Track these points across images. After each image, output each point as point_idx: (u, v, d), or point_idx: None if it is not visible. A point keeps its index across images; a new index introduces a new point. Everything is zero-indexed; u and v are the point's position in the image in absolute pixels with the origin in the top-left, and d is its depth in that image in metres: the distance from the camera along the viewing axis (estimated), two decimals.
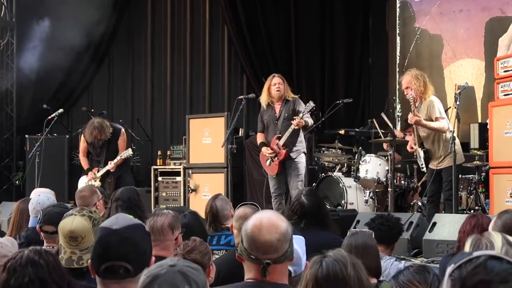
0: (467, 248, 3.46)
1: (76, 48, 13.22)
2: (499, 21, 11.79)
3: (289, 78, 11.97)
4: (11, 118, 13.58)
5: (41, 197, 5.82)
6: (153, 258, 2.81)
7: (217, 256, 4.95)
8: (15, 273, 2.96)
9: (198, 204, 10.63)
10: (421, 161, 8.55)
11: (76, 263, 3.64)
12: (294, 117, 9.05)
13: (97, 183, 9.88)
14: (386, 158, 9.50)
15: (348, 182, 10.10)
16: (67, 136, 12.96)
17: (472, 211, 9.10)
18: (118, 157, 10.11)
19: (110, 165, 10.09)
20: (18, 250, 3.13)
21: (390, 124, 8.66)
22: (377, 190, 9.85)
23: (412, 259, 6.84)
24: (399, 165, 9.86)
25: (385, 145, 9.82)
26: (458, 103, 8.12)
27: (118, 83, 14.44)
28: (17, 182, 13.34)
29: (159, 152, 12.90)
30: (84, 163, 10.48)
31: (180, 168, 12.11)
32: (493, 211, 8.10)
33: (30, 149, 11.49)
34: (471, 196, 9.46)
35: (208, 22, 13.96)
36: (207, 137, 11.37)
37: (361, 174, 9.77)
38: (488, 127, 8.84)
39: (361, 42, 13.48)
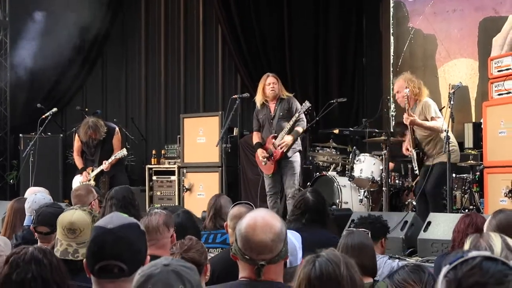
0: (466, 248, 3.46)
1: (70, 47, 13.22)
2: (493, 21, 11.80)
3: (283, 78, 11.96)
4: (5, 117, 13.56)
5: (37, 196, 5.81)
6: (148, 258, 2.81)
7: (212, 255, 4.95)
8: (18, 268, 2.96)
9: (193, 203, 10.65)
10: (415, 163, 8.57)
11: (71, 255, 3.63)
12: (280, 143, 9.06)
13: (92, 182, 9.87)
14: (381, 157, 9.51)
15: (343, 181, 10.10)
16: (61, 135, 12.95)
17: (466, 210, 9.11)
18: (113, 157, 10.10)
19: (105, 165, 10.09)
20: (22, 246, 3.11)
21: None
22: (371, 190, 9.85)
23: (406, 259, 6.84)
24: (392, 172, 9.83)
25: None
26: (452, 102, 8.12)
27: (112, 82, 14.43)
28: (11, 181, 13.32)
29: (153, 151, 12.89)
30: (78, 162, 10.47)
31: (174, 167, 12.11)
32: (488, 211, 8.11)
33: (24, 148, 11.46)
34: (465, 196, 9.48)
35: (202, 22, 13.95)
36: (202, 136, 11.37)
37: (356, 173, 9.77)
38: (482, 126, 8.85)
39: (354, 42, 13.47)
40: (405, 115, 8.46)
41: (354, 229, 5.18)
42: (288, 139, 9.06)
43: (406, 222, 7.49)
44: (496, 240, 3.41)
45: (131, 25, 14.44)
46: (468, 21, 12.13)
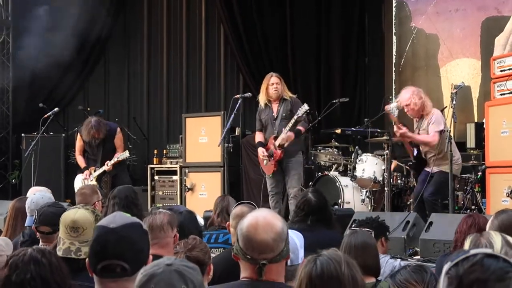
0: (466, 247, 3.46)
1: (72, 47, 13.21)
2: (495, 20, 11.80)
3: (285, 77, 11.93)
4: (7, 116, 13.57)
5: (35, 196, 5.79)
6: (151, 257, 2.81)
7: (214, 255, 4.95)
8: (17, 269, 2.96)
9: (195, 203, 10.65)
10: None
11: (74, 253, 3.63)
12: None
13: (93, 182, 9.87)
14: (383, 157, 9.50)
15: (345, 181, 10.10)
16: (63, 134, 12.96)
17: (468, 210, 9.11)
18: (115, 159, 10.10)
19: (107, 167, 10.09)
20: (21, 248, 3.12)
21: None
22: (373, 190, 9.85)
23: (408, 259, 6.84)
24: (395, 172, 9.83)
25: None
26: (454, 102, 8.11)
27: (114, 81, 14.43)
28: (13, 180, 13.33)
29: (155, 151, 12.89)
30: (80, 161, 10.47)
31: (176, 167, 12.11)
32: (490, 211, 8.10)
33: (26, 148, 11.46)
34: (467, 196, 9.46)
35: (204, 22, 13.95)
36: (204, 136, 11.36)
37: (358, 173, 9.77)
38: (484, 126, 8.84)
39: (357, 42, 13.47)
40: (395, 128, 8.49)
41: (357, 228, 5.17)
42: (289, 134, 9.02)
43: (408, 222, 7.49)
44: (496, 237, 3.41)
45: (133, 24, 14.44)
46: (470, 21, 12.12)
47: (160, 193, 12.21)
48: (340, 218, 8.19)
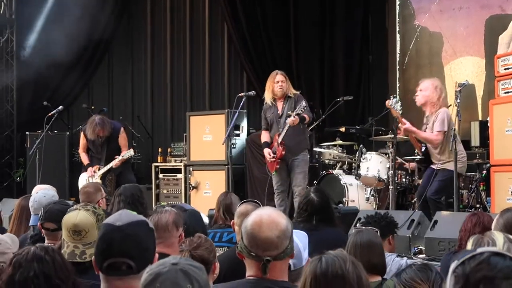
0: (469, 247, 3.46)
1: (76, 45, 13.21)
2: (499, 18, 11.78)
3: (289, 76, 11.90)
4: (11, 115, 13.58)
5: (38, 195, 5.80)
6: (157, 255, 2.81)
7: (218, 254, 4.95)
8: (20, 268, 2.97)
9: (199, 201, 10.67)
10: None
11: (78, 257, 3.63)
12: (288, 114, 9.04)
13: (98, 180, 9.88)
14: (387, 155, 9.50)
15: (349, 179, 10.11)
16: (68, 133, 12.97)
17: (473, 209, 9.11)
18: (120, 157, 10.12)
19: (115, 162, 10.10)
20: (25, 247, 3.13)
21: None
22: (378, 188, 9.85)
23: (413, 257, 6.85)
24: (399, 170, 9.80)
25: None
26: (458, 100, 8.11)
27: (118, 80, 14.44)
28: (18, 179, 13.35)
29: (159, 149, 12.91)
30: (84, 158, 10.49)
31: (181, 165, 12.12)
32: (494, 209, 8.10)
33: (31, 146, 11.49)
34: (472, 194, 9.47)
35: (208, 20, 13.95)
36: (208, 134, 11.38)
37: (362, 171, 9.77)
38: (488, 125, 8.84)
39: (360, 40, 13.46)
40: (399, 124, 8.49)
41: (363, 227, 5.17)
42: (294, 118, 8.96)
43: (413, 220, 7.49)
44: (498, 235, 3.42)
45: (137, 23, 14.45)
46: (474, 19, 12.11)
47: (165, 191, 12.22)
48: (345, 216, 8.22)
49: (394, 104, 8.50)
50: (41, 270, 2.97)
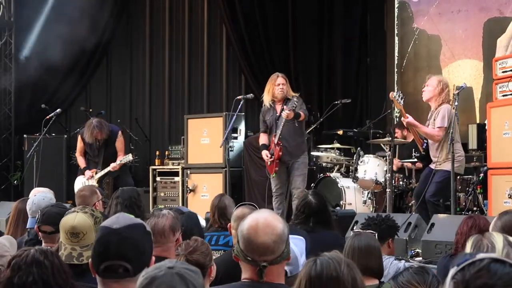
0: (468, 248, 3.45)
1: (74, 48, 13.20)
2: (497, 21, 11.80)
3: (287, 78, 11.97)
4: (9, 117, 13.57)
5: (36, 197, 5.79)
6: (153, 258, 2.81)
7: (214, 257, 4.94)
8: (20, 271, 2.96)
9: (197, 205, 10.65)
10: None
11: (76, 259, 3.63)
12: (282, 108, 9.03)
13: (94, 183, 9.88)
14: (385, 158, 9.51)
15: (347, 182, 10.11)
16: (65, 136, 12.96)
17: (470, 212, 9.11)
18: (118, 161, 10.11)
19: (113, 165, 10.10)
20: (24, 248, 3.12)
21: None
22: (375, 191, 9.85)
23: (410, 260, 6.84)
24: (397, 173, 9.80)
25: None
26: (456, 103, 8.12)
27: (116, 83, 14.43)
28: (15, 182, 13.33)
29: (157, 152, 12.90)
30: (81, 162, 10.49)
31: (178, 168, 12.11)
32: (491, 212, 8.10)
33: (28, 149, 11.47)
34: (469, 197, 9.47)
35: (207, 22, 13.96)
36: (206, 137, 11.37)
37: (360, 174, 9.78)
38: (486, 128, 8.84)
39: (359, 42, 13.48)
40: (402, 118, 8.50)
41: (361, 230, 5.17)
42: (288, 112, 8.92)
43: (410, 223, 7.49)
44: (498, 238, 3.41)
45: (136, 26, 14.45)
46: (472, 22, 12.13)
47: (162, 194, 12.21)
48: (342, 219, 8.22)
49: (397, 96, 8.49)
50: (40, 276, 2.96)
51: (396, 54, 13.20)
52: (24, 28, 13.44)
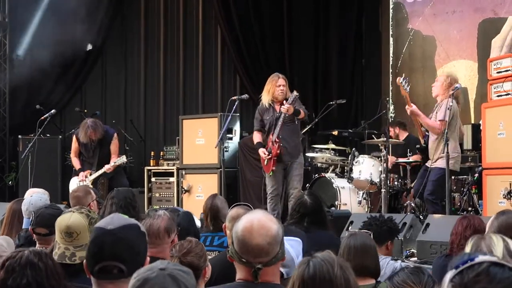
0: (467, 251, 3.45)
1: (69, 48, 13.19)
2: (492, 22, 11.81)
3: None
4: (4, 118, 13.55)
5: (33, 197, 5.80)
6: (148, 259, 2.80)
7: (209, 257, 4.93)
8: (14, 273, 2.95)
9: (192, 205, 10.63)
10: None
11: (68, 258, 3.62)
12: (282, 104, 9.02)
13: (89, 184, 9.86)
14: (380, 159, 9.52)
15: (342, 183, 10.11)
16: (60, 136, 12.94)
17: (465, 212, 9.12)
18: (112, 163, 10.10)
19: (107, 166, 10.09)
20: (17, 250, 3.11)
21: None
22: (370, 191, 9.86)
23: (405, 260, 6.84)
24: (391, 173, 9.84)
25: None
26: (451, 104, 8.14)
27: (111, 83, 14.42)
28: (10, 182, 13.31)
29: (152, 153, 12.89)
30: (75, 163, 10.47)
31: (173, 169, 12.10)
32: (486, 212, 8.12)
33: (23, 150, 11.46)
34: (464, 197, 9.47)
35: (201, 23, 13.95)
36: (201, 137, 11.36)
37: (355, 175, 9.78)
38: (481, 128, 8.86)
39: (354, 43, 13.49)
40: (407, 106, 8.53)
41: (356, 230, 5.17)
42: (289, 106, 8.93)
43: (405, 223, 7.50)
44: (498, 246, 3.39)
45: (130, 27, 14.44)
46: (467, 23, 12.14)
47: (157, 195, 12.20)
48: (337, 219, 8.22)
49: (404, 82, 8.49)
50: (34, 278, 2.95)
51: (391, 54, 13.20)
52: (19, 29, 13.42)
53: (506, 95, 8.47)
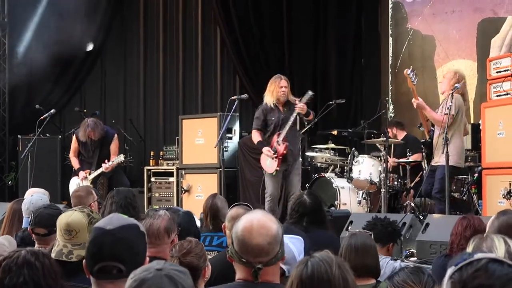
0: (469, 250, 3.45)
1: (69, 48, 13.18)
2: (491, 22, 11.81)
3: None
4: (3, 118, 13.55)
5: (34, 197, 5.80)
6: (147, 259, 2.80)
7: (209, 257, 4.93)
8: (10, 272, 2.95)
9: (191, 205, 10.63)
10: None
11: (65, 256, 3.62)
12: (296, 103, 9.04)
13: (88, 184, 9.86)
14: (379, 158, 9.52)
15: (341, 182, 10.10)
16: (60, 136, 12.95)
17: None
18: (110, 163, 10.10)
19: (105, 165, 10.09)
20: (15, 250, 3.11)
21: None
22: (370, 191, 9.85)
23: (404, 260, 6.84)
24: (391, 173, 9.85)
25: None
26: (451, 103, 8.14)
27: (111, 83, 14.42)
28: (9, 182, 13.31)
29: (152, 153, 12.89)
30: (74, 163, 10.47)
31: (173, 169, 12.10)
32: (486, 212, 8.12)
33: (23, 150, 11.46)
34: (464, 197, 9.47)
35: (201, 23, 13.95)
36: (200, 137, 11.36)
37: (354, 175, 9.77)
38: (480, 128, 8.86)
39: (353, 43, 13.48)
40: (413, 99, 8.55)
41: (357, 230, 5.17)
42: (303, 105, 8.99)
43: (404, 223, 7.49)
44: (500, 248, 3.39)
45: (130, 27, 14.44)
46: (466, 22, 12.14)
47: (157, 194, 12.20)
48: (337, 219, 8.22)
49: (412, 74, 8.48)
50: (31, 277, 2.95)
51: (390, 54, 13.20)
52: (18, 29, 13.42)
53: (505, 94, 8.46)
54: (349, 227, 7.65)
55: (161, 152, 12.72)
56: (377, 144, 9.76)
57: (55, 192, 11.77)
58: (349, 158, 10.12)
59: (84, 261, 2.82)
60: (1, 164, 13.53)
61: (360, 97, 13.44)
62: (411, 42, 12.92)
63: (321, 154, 10.93)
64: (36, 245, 4.61)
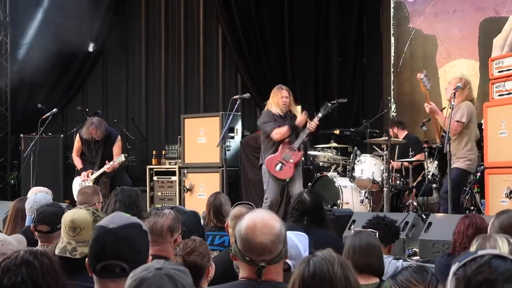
0: (473, 250, 3.46)
1: (70, 47, 13.20)
2: (493, 21, 11.80)
3: (284, 79, 11.99)
4: (5, 117, 13.57)
5: (38, 196, 5.81)
6: (150, 257, 2.81)
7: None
8: (9, 272, 2.95)
9: (194, 204, 10.66)
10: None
11: (69, 253, 3.62)
12: (309, 123, 9.17)
13: (90, 184, 9.87)
14: (382, 158, 9.52)
15: (344, 182, 10.11)
16: (62, 135, 12.96)
17: (467, 211, 9.12)
18: (111, 163, 10.10)
19: (106, 166, 10.09)
20: (14, 250, 3.11)
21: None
22: (372, 190, 9.85)
23: (407, 259, 6.84)
24: (393, 173, 9.84)
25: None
26: (453, 103, 8.14)
27: (113, 82, 14.43)
28: (12, 181, 13.33)
29: (154, 152, 12.90)
30: (77, 162, 10.48)
31: (175, 168, 12.11)
32: (489, 211, 8.11)
33: (25, 149, 11.47)
34: (466, 196, 9.48)
35: (203, 22, 13.95)
36: (202, 136, 11.37)
37: (357, 174, 9.78)
38: (483, 127, 8.85)
39: (355, 42, 13.47)
40: (426, 104, 8.55)
41: (362, 229, 5.16)
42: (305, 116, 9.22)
43: (407, 223, 7.49)
44: (503, 248, 3.40)
45: (132, 26, 14.44)
46: (468, 22, 12.13)
47: (159, 193, 12.21)
48: (339, 218, 8.21)
49: (425, 79, 8.47)
50: (29, 276, 2.95)
51: (392, 54, 13.19)
52: (20, 28, 13.43)
53: (508, 94, 8.46)
54: (352, 226, 7.64)
55: (163, 151, 12.73)
56: (375, 147, 9.79)
57: (57, 191, 11.74)
58: (351, 157, 10.12)
59: (86, 259, 2.83)
60: (4, 163, 13.54)
61: (362, 96, 13.44)
62: (413, 42, 12.91)
63: (324, 153, 10.94)
64: (39, 243, 4.62)
